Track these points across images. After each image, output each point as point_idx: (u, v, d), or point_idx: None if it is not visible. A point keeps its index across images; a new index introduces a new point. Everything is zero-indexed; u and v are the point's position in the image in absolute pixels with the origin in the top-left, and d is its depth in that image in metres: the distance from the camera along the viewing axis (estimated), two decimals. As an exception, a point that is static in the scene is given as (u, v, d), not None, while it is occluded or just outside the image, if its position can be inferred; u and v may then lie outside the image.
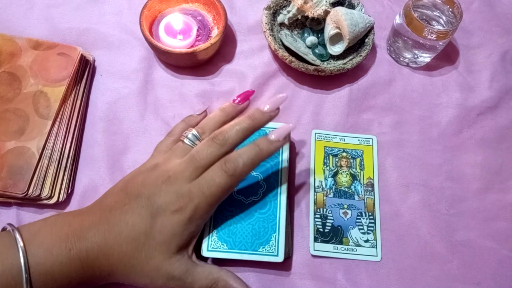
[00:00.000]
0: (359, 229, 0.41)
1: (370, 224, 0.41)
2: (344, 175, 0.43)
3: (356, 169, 0.44)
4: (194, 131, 0.36)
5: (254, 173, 0.40)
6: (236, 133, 0.34)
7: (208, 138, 0.35)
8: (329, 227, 0.41)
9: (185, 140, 0.36)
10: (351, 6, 0.50)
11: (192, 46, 0.47)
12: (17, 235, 0.30)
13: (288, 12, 0.49)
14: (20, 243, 0.30)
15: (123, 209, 0.32)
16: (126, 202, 0.32)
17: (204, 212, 0.33)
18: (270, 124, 0.42)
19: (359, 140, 0.45)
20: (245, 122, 0.35)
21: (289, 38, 0.48)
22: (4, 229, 0.33)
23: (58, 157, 0.40)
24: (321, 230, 0.41)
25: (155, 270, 0.32)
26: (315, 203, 0.42)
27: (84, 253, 0.30)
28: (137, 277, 0.32)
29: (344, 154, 0.45)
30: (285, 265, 0.39)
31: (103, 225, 0.31)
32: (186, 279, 0.33)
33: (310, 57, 0.48)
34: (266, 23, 0.47)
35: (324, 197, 0.42)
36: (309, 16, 0.48)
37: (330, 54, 0.49)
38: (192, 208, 0.32)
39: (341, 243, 0.40)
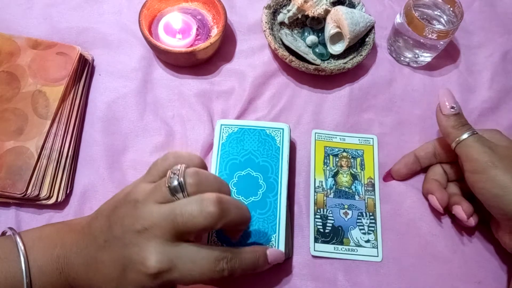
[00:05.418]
0: (360, 229, 0.41)
1: (370, 224, 0.41)
2: (345, 175, 0.43)
3: (356, 169, 0.44)
4: (181, 180, 0.29)
5: (253, 173, 0.39)
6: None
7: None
8: (330, 228, 0.41)
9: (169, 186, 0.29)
10: (352, 5, 0.50)
11: (191, 46, 0.47)
12: (18, 240, 0.30)
13: (288, 11, 0.49)
14: (21, 248, 0.30)
15: (103, 245, 0.30)
16: (106, 237, 0.30)
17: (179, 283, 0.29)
18: (271, 124, 0.42)
19: (359, 140, 0.45)
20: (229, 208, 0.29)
21: (289, 37, 0.48)
22: (4, 233, 0.33)
23: (57, 157, 0.40)
24: (321, 230, 0.40)
25: None
26: (315, 203, 0.42)
27: (71, 278, 0.31)
28: None
29: (345, 154, 0.44)
30: (285, 265, 0.39)
31: (86, 255, 0.30)
32: None
33: (311, 56, 0.48)
34: (266, 22, 0.47)
35: (325, 197, 0.42)
36: (309, 15, 0.48)
37: (331, 54, 0.48)
38: (168, 278, 0.29)
39: (341, 243, 0.40)
